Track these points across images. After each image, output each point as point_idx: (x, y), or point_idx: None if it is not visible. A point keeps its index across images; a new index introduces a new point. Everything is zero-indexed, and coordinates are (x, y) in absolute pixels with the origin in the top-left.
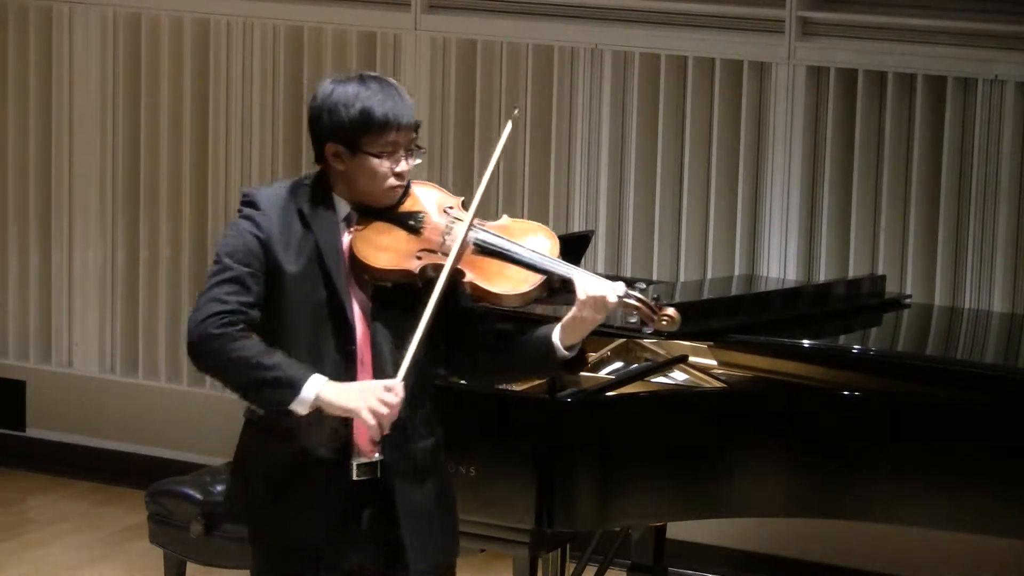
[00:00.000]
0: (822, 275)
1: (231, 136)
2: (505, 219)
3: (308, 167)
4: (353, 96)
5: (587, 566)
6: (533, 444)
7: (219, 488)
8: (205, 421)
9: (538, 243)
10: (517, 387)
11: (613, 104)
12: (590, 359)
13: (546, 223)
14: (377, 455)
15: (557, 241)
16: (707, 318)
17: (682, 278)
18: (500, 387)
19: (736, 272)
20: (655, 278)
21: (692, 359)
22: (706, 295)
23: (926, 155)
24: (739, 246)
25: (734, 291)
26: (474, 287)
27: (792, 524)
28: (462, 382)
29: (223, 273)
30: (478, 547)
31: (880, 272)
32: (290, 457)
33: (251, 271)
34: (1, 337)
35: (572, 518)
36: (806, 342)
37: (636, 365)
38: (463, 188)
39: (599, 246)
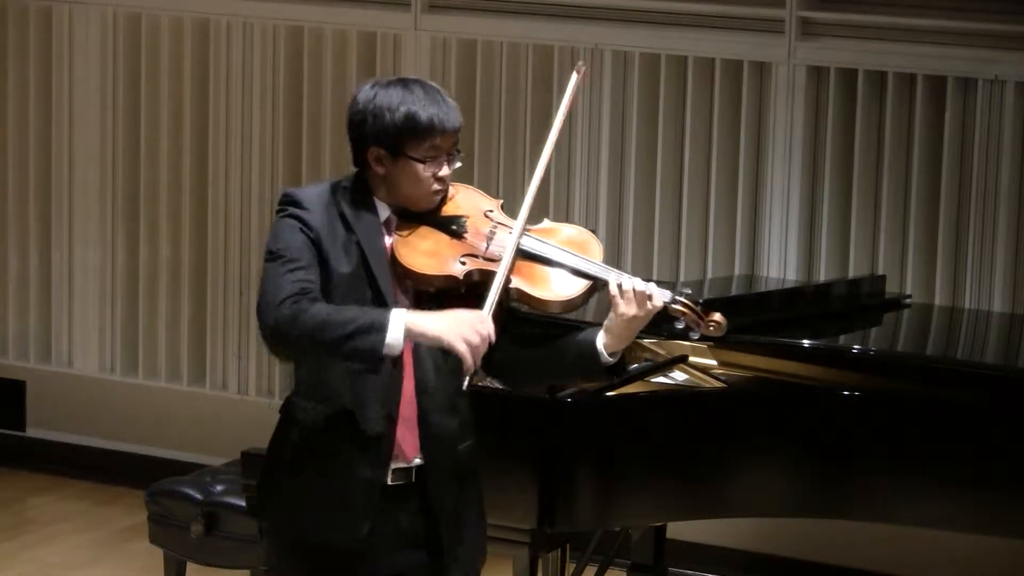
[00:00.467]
0: (822, 275)
1: (231, 136)
2: (547, 222)
3: (308, 167)
4: (398, 100)
5: (587, 566)
6: (533, 444)
7: (219, 488)
8: (205, 421)
9: (582, 247)
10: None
11: (613, 104)
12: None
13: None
14: (417, 460)
15: (600, 245)
16: None
17: (682, 278)
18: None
19: (736, 272)
20: (655, 278)
21: (692, 359)
22: (706, 295)
23: (926, 155)
24: (739, 246)
25: (734, 291)
26: (520, 293)
27: (792, 524)
28: (500, 384)
29: (284, 264)
30: None
31: (880, 272)
32: (328, 457)
33: (311, 262)
34: (1, 337)
35: (572, 518)
36: (806, 342)
37: (636, 365)
38: None
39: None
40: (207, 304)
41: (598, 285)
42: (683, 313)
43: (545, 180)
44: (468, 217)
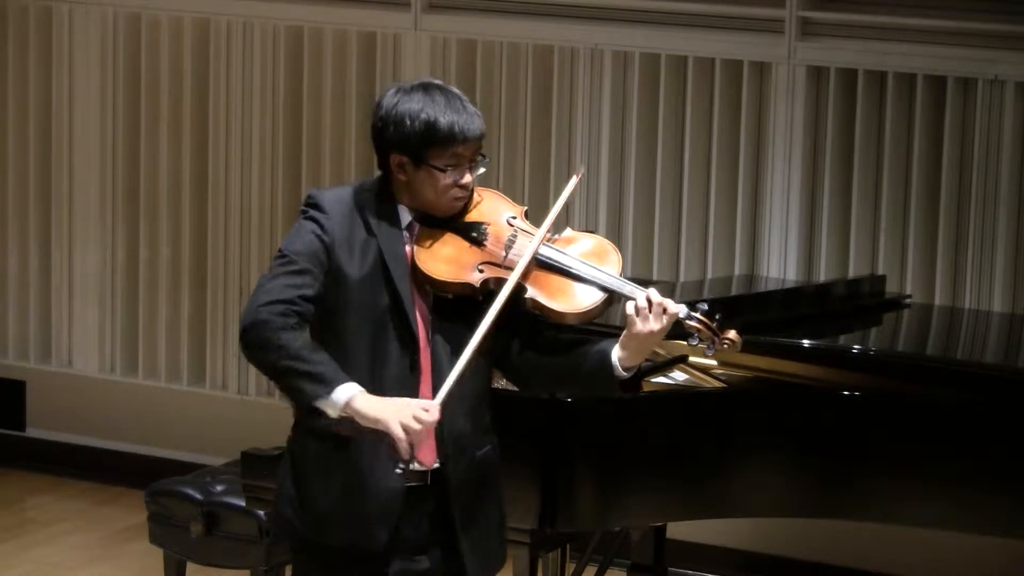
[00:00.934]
0: (822, 275)
1: (231, 136)
2: (568, 231)
3: (308, 167)
4: (418, 108)
5: (587, 566)
6: (534, 444)
7: (219, 488)
8: (205, 421)
9: (601, 258)
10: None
11: (613, 104)
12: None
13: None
14: (436, 464)
15: (619, 257)
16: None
17: (682, 278)
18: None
19: (736, 272)
20: (655, 278)
21: (692, 359)
22: (706, 295)
23: (926, 155)
24: (739, 246)
25: (734, 291)
26: (535, 303)
27: (792, 524)
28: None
29: (285, 266)
30: None
31: (880, 272)
32: (347, 464)
33: (313, 270)
34: (1, 337)
35: (572, 518)
36: (806, 342)
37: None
38: None
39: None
40: (207, 304)
41: (614, 298)
42: (698, 329)
43: (545, 180)
44: (489, 224)
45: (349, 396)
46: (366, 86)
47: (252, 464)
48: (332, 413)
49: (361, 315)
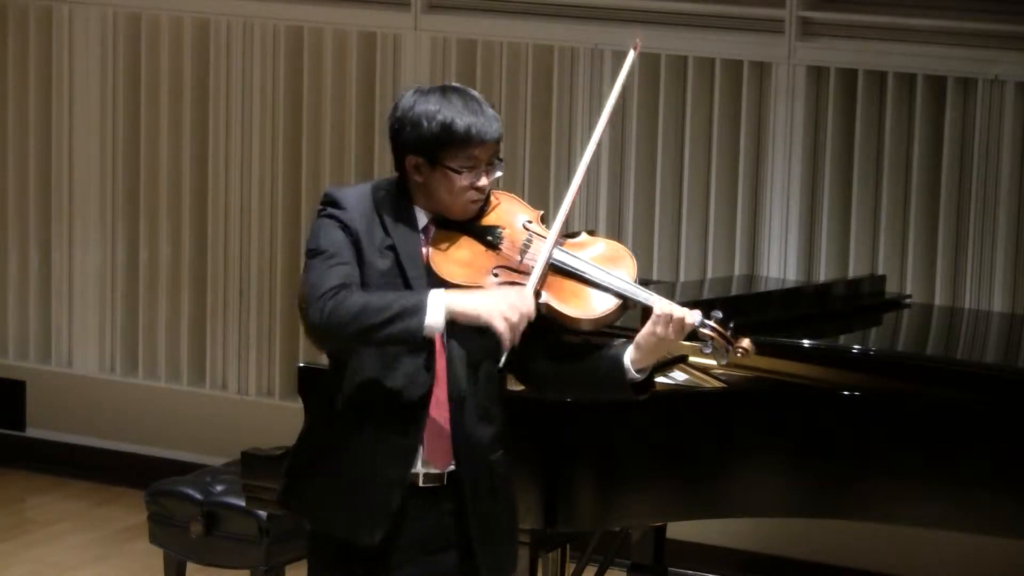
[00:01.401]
0: (822, 275)
1: (231, 136)
2: (584, 236)
3: (307, 168)
4: (435, 109)
5: (587, 566)
6: (534, 444)
7: (219, 488)
8: (205, 421)
9: (616, 264)
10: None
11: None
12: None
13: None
14: (450, 467)
15: (634, 262)
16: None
17: (682, 278)
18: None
19: (736, 272)
20: (655, 278)
21: (692, 359)
22: (706, 295)
23: (926, 155)
24: (739, 246)
25: (734, 291)
26: (549, 308)
27: (792, 524)
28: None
29: (327, 260)
30: None
31: (880, 272)
32: (356, 457)
33: (352, 260)
34: (1, 337)
35: (572, 518)
36: (806, 342)
37: None
38: None
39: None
40: (207, 304)
41: (629, 304)
42: (712, 337)
43: (545, 180)
44: (505, 228)
45: (444, 305)
46: (366, 86)
47: (252, 464)
48: (438, 326)
49: None
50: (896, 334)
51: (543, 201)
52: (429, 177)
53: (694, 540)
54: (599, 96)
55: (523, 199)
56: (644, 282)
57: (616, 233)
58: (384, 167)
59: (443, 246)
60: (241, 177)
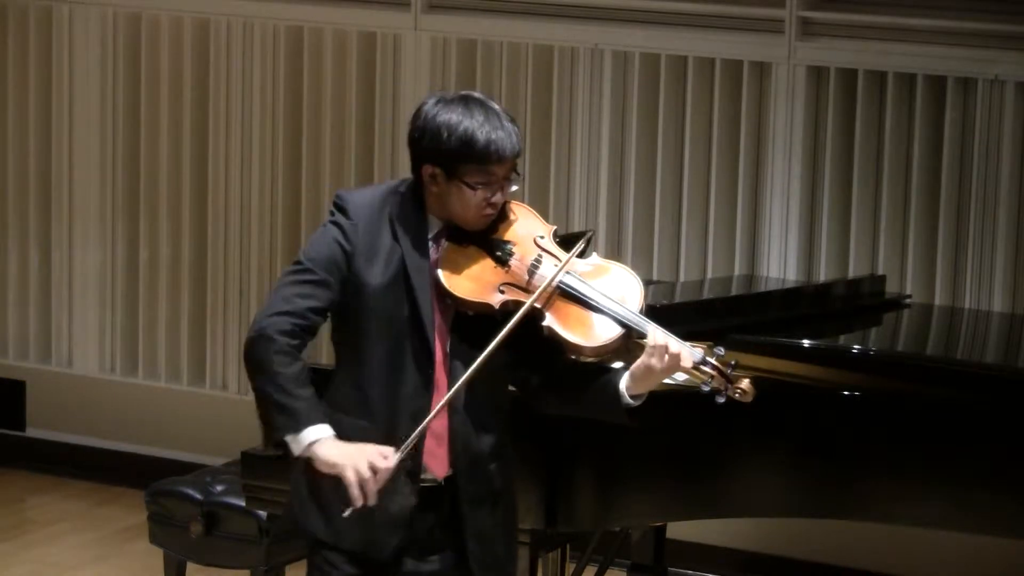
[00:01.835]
0: (822, 275)
1: (231, 136)
2: (595, 258)
3: (307, 168)
4: (457, 121)
5: (587, 566)
6: (533, 444)
7: (219, 488)
8: (205, 421)
9: (625, 292)
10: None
11: (613, 104)
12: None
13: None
14: (449, 473)
15: (642, 290)
16: (707, 318)
17: (682, 278)
18: None
19: (736, 272)
20: (655, 278)
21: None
22: (706, 295)
23: (926, 155)
24: (739, 246)
25: (734, 291)
26: (552, 332)
27: (792, 524)
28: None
29: (301, 275)
30: None
31: (880, 272)
32: None
33: (328, 280)
34: (1, 337)
35: (573, 518)
36: (806, 342)
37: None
38: None
39: (599, 246)
40: (207, 304)
41: (633, 334)
42: (711, 376)
43: (545, 180)
44: (516, 243)
45: (314, 439)
46: (366, 86)
47: (252, 464)
48: (295, 451)
49: (380, 323)
50: (896, 334)
51: (543, 201)
52: (444, 188)
53: (694, 540)
54: (599, 96)
55: (522, 201)
56: (645, 282)
57: (616, 233)
58: (384, 167)
59: (453, 258)
60: (241, 177)
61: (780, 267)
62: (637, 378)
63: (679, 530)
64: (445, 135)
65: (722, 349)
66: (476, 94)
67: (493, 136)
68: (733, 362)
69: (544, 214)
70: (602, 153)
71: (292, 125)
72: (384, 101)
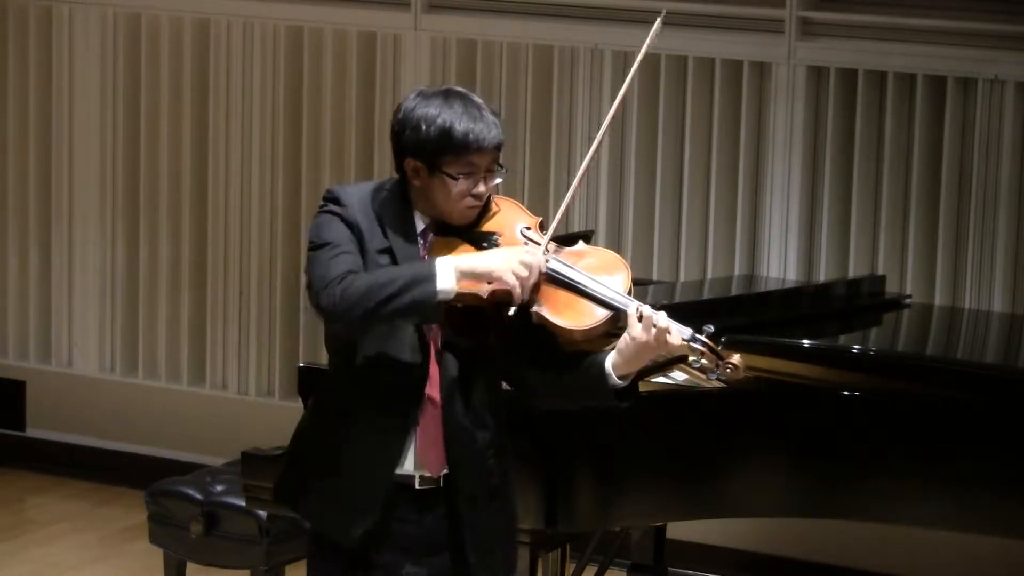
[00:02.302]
0: (822, 275)
1: (231, 136)
2: (581, 245)
3: (307, 168)
4: (435, 114)
5: (587, 566)
6: (533, 444)
7: (219, 488)
8: (205, 421)
9: (611, 275)
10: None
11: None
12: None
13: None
14: (444, 471)
15: (629, 272)
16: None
17: (682, 278)
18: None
19: (736, 272)
20: (655, 278)
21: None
22: (706, 295)
23: (926, 155)
24: (739, 246)
25: (734, 291)
26: (540, 317)
27: (792, 524)
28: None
29: (326, 249)
30: None
31: (880, 272)
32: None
33: (354, 249)
34: (1, 337)
35: (573, 518)
36: (806, 342)
37: None
38: None
39: (599, 246)
40: (207, 304)
41: (621, 316)
42: (701, 353)
43: (545, 180)
44: (502, 235)
45: (453, 266)
46: (366, 86)
47: (252, 464)
48: (452, 293)
49: None
50: (896, 334)
51: (543, 201)
52: (427, 182)
53: (694, 540)
54: (599, 96)
55: (522, 200)
56: (645, 282)
57: (616, 233)
58: (384, 167)
59: (440, 252)
60: (241, 177)
61: (780, 267)
62: (625, 355)
63: (679, 530)
64: (424, 127)
65: (711, 327)
66: (457, 88)
67: (472, 126)
68: (723, 338)
69: (544, 214)
70: (602, 153)
71: (292, 125)
72: (384, 101)
